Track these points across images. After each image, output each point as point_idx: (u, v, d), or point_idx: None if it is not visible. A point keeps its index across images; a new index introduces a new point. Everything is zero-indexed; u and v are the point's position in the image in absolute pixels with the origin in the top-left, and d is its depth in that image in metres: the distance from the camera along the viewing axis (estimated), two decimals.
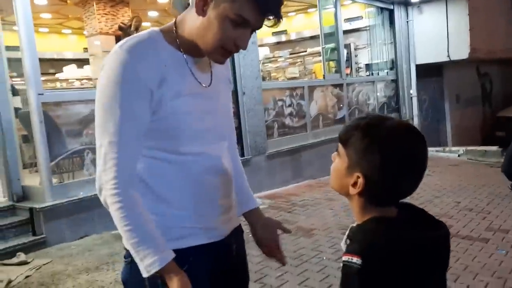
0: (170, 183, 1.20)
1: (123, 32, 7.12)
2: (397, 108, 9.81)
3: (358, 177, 0.99)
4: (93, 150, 4.60)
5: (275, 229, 1.47)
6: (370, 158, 0.96)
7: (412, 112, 10.08)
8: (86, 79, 8.46)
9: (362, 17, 9.55)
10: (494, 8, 10.62)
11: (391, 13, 9.49)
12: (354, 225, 1.07)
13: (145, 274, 1.11)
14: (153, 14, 9.00)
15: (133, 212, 1.10)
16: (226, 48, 1.16)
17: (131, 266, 1.21)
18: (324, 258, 3.72)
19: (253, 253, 3.73)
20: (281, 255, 1.47)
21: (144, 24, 8.33)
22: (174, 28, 1.20)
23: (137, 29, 7.33)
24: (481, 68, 12.51)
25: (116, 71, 1.09)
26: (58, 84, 8.39)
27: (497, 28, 10.68)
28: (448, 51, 9.45)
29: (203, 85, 1.22)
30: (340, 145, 1.05)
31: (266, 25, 1.16)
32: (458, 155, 9.54)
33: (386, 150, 0.95)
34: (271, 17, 1.13)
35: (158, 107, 1.14)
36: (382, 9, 9.36)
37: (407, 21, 9.80)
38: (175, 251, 1.16)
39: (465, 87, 11.72)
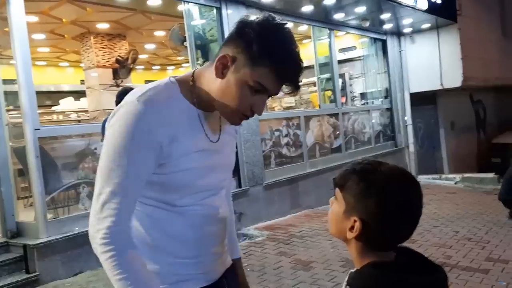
0: (169, 232, 1.19)
1: (120, 65, 7.23)
2: (392, 136, 9.86)
3: (355, 221, 0.99)
4: (89, 184, 4.59)
5: None
6: (366, 202, 0.97)
7: (408, 140, 10.12)
8: (83, 111, 8.48)
9: (356, 47, 9.71)
10: (486, 37, 10.84)
11: (384, 43, 9.66)
12: (353, 270, 1.06)
13: None
14: (150, 46, 9.12)
15: (125, 260, 1.07)
16: (242, 113, 1.17)
17: None
18: None
19: None
20: None
21: (141, 56, 8.45)
22: (192, 82, 1.20)
23: (134, 61, 7.44)
24: (475, 96, 12.66)
25: (130, 122, 1.08)
26: (54, 117, 8.39)
27: (490, 56, 10.87)
28: (441, 80, 9.58)
29: (212, 140, 1.22)
30: (337, 190, 1.05)
31: (283, 92, 1.17)
32: (455, 183, 9.54)
33: (383, 195, 0.96)
34: (288, 85, 1.15)
35: (165, 161, 1.13)
36: (375, 39, 9.53)
37: (400, 51, 9.97)
38: None
39: (459, 114, 11.83)
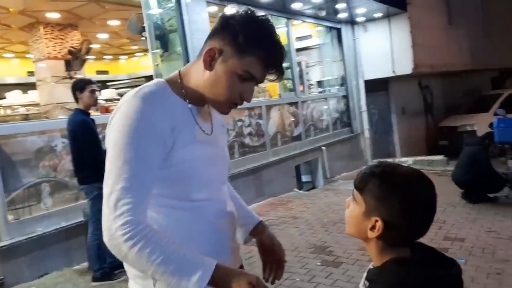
0: (185, 230, 1.20)
1: (73, 56, 6.94)
2: (349, 122, 10.13)
3: (377, 221, 1.04)
4: (50, 183, 4.42)
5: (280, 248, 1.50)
6: (389, 203, 1.03)
7: (363, 126, 10.44)
8: (32, 105, 8.10)
9: (312, 36, 9.83)
10: (433, 25, 11.30)
11: (338, 31, 9.85)
12: (372, 267, 1.11)
13: None
14: (103, 36, 8.80)
15: (156, 243, 1.06)
16: (232, 101, 1.21)
17: None
18: (298, 279, 3.74)
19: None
20: (277, 274, 1.48)
21: (93, 46, 8.14)
22: (179, 80, 1.24)
23: (87, 52, 7.16)
24: (423, 81, 13.21)
25: (131, 118, 1.10)
26: (1, 111, 7.97)
27: (437, 44, 11.35)
28: (393, 67, 9.91)
29: (206, 133, 1.26)
30: (356, 192, 1.10)
31: (268, 79, 1.22)
32: (407, 165, 9.96)
33: (405, 196, 1.03)
34: (273, 72, 1.20)
35: (169, 155, 1.15)
36: (330, 28, 9.70)
37: (354, 39, 10.21)
38: None
39: (409, 100, 12.31)
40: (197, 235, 1.21)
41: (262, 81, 1.21)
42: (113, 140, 1.11)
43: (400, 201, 1.02)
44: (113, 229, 1.06)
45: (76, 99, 3.96)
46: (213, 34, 1.20)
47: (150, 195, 1.13)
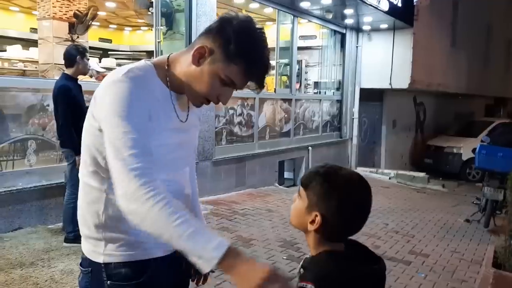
0: None
1: (78, 20, 6.92)
2: (338, 127, 10.26)
3: (316, 215, 1.16)
4: (37, 140, 4.48)
5: None
6: (328, 201, 1.15)
7: (352, 133, 10.58)
8: (31, 61, 8.07)
9: (316, 37, 9.91)
10: (436, 45, 11.44)
11: (343, 36, 9.94)
12: (308, 256, 1.25)
13: (211, 264, 1.05)
14: (111, 5, 8.78)
15: (177, 206, 1.10)
16: (208, 100, 1.31)
17: (91, 275, 1.31)
18: None
19: None
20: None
21: (100, 13, 8.13)
22: (167, 66, 1.31)
23: (93, 18, 7.14)
24: (418, 98, 13.37)
25: (123, 94, 1.17)
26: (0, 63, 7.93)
27: (436, 64, 11.51)
28: (390, 79, 10.04)
29: (181, 120, 1.35)
30: (301, 188, 1.22)
31: (249, 88, 1.31)
32: (389, 178, 10.15)
33: (343, 196, 1.15)
34: (254, 84, 1.29)
35: None
36: (335, 31, 9.78)
37: (357, 46, 10.31)
38: (138, 261, 1.28)
39: (401, 114, 12.47)
40: None
41: (241, 89, 1.30)
42: (109, 117, 1.17)
43: (338, 200, 1.14)
44: (132, 190, 1.09)
45: (71, 63, 4.00)
46: (208, 32, 1.27)
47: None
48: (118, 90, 1.18)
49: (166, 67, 1.31)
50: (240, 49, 1.22)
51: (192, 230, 1.07)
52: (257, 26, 1.27)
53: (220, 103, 1.33)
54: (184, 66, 1.29)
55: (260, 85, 1.29)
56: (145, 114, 1.20)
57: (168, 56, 1.34)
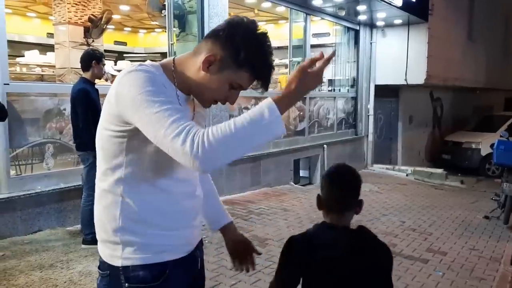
0: (153, 205, 1.32)
1: (93, 24, 7.03)
2: (354, 124, 10.20)
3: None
4: (54, 144, 4.58)
5: (249, 245, 1.70)
6: (322, 187, 1.60)
7: (368, 130, 10.50)
8: (48, 66, 8.22)
9: (330, 34, 9.86)
10: (452, 38, 11.27)
11: (356, 33, 9.87)
12: None
13: (278, 120, 1.16)
14: (124, 8, 8.88)
15: (220, 125, 1.13)
16: (216, 101, 1.37)
17: (109, 278, 1.34)
18: None
19: (209, 260, 3.85)
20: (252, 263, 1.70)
21: (114, 16, 8.24)
22: (173, 67, 1.33)
23: (108, 22, 7.25)
24: (434, 93, 13.19)
25: (142, 80, 1.19)
26: (17, 69, 8.09)
27: (453, 58, 11.33)
28: (406, 75, 9.93)
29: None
30: None
31: (252, 88, 1.35)
32: (406, 175, 10.04)
33: (324, 182, 1.61)
34: (259, 84, 1.33)
35: None
36: (348, 28, 9.72)
37: (371, 43, 10.23)
38: (155, 264, 1.31)
39: (418, 110, 12.33)
40: (162, 212, 1.33)
41: (246, 89, 1.34)
42: (134, 102, 1.16)
43: (323, 181, 1.61)
44: (187, 149, 1.10)
45: (87, 67, 4.08)
46: (216, 38, 1.29)
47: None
48: (135, 76, 1.21)
49: (173, 69, 1.33)
50: (250, 58, 1.27)
51: (247, 119, 1.14)
52: (261, 30, 1.30)
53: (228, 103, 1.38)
54: (192, 71, 1.32)
55: (266, 86, 1.33)
56: (164, 93, 1.22)
57: (174, 59, 1.36)
